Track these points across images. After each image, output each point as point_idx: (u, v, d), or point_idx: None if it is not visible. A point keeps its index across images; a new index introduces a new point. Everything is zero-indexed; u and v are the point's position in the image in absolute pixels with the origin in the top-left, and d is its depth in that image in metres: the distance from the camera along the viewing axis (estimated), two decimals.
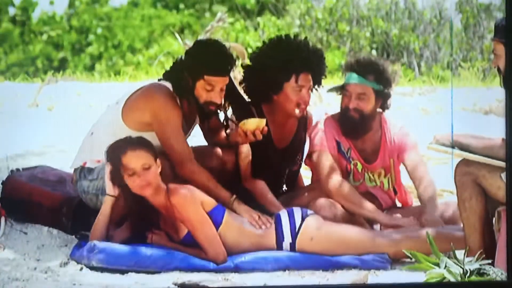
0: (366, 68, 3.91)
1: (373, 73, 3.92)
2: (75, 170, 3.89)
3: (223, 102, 3.81)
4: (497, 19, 3.40)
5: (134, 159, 3.49)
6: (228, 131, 3.89)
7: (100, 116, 3.94)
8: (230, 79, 3.85)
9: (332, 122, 3.99)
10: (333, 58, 11.55)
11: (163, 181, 3.56)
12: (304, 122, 4.14)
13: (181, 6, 14.10)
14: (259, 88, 3.97)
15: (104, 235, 3.61)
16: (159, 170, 3.55)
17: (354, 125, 3.93)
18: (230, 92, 3.84)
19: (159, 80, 3.85)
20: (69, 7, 14.18)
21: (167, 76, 3.83)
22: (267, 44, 4.02)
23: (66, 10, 14.13)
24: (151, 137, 3.72)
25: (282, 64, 3.91)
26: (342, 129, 3.96)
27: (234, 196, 3.69)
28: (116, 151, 3.54)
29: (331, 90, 4.00)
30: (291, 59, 3.91)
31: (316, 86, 4.02)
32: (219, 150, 3.91)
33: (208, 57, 3.74)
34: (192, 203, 3.51)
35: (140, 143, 3.55)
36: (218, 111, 3.83)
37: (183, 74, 3.75)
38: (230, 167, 3.90)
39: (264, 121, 3.80)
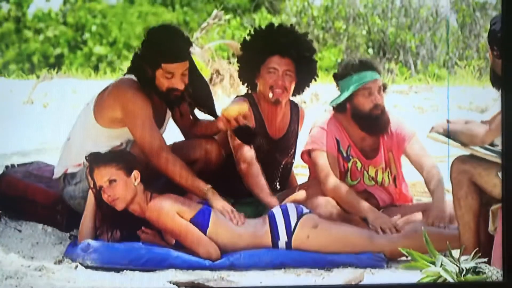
0: (369, 65, 3.88)
1: (376, 67, 3.90)
2: (59, 178, 3.87)
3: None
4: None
5: (99, 176, 3.54)
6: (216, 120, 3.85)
7: (75, 120, 3.92)
8: (192, 62, 3.80)
9: (335, 121, 3.93)
10: (329, 56, 11.54)
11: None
12: (296, 115, 4.14)
13: (177, 3, 14.08)
14: (245, 76, 4.03)
15: (92, 229, 3.59)
16: (137, 181, 3.55)
17: (378, 122, 3.86)
18: (191, 76, 3.77)
19: (124, 75, 3.82)
20: (64, 4, 14.14)
21: (130, 70, 3.79)
22: (251, 32, 4.04)
23: (61, 6, 14.10)
24: (125, 132, 3.71)
25: (259, 49, 3.94)
26: (367, 130, 3.88)
27: (209, 186, 3.64)
28: (89, 165, 3.58)
29: (333, 103, 3.93)
30: (266, 43, 3.93)
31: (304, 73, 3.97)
32: (200, 141, 3.87)
33: (163, 44, 3.68)
34: (166, 215, 3.49)
35: (106, 159, 3.57)
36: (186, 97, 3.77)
37: (143, 66, 3.70)
38: (213, 157, 3.86)
39: (246, 106, 3.79)
